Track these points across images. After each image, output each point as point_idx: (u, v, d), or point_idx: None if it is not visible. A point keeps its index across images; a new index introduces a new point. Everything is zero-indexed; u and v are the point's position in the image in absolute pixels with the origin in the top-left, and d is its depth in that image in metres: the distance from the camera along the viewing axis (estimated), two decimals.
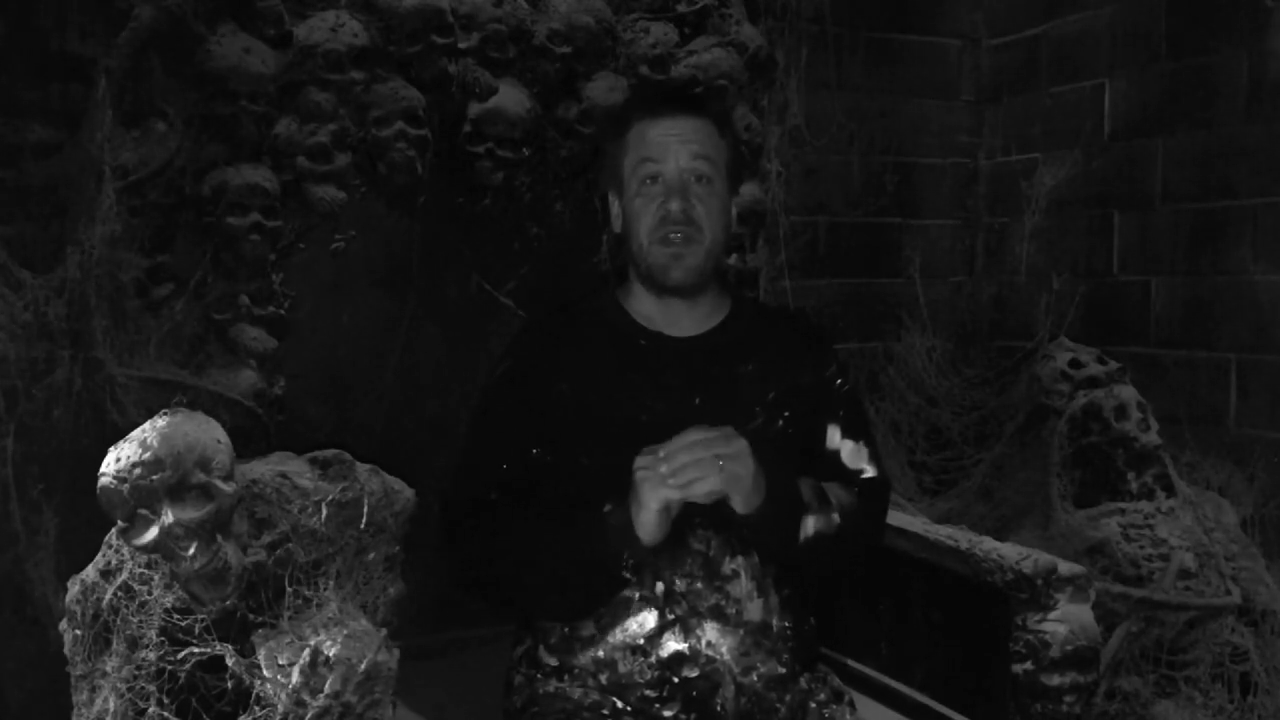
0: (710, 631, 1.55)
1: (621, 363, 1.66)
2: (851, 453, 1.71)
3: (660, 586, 1.56)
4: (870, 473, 1.72)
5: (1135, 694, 2.58)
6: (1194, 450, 3.00)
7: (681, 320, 1.68)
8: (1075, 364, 2.95)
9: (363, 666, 1.77)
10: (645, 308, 1.70)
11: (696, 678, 1.54)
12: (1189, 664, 2.62)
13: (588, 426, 1.62)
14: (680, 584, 1.56)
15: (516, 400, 1.66)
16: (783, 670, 1.59)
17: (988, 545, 2.37)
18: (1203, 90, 3.10)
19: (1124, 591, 2.56)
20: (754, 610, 1.58)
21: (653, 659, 1.55)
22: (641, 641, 1.55)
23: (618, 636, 1.56)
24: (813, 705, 1.62)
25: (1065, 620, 2.24)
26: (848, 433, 1.72)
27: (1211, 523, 2.76)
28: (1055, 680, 2.23)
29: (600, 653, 1.57)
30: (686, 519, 1.56)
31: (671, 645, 1.55)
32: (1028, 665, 2.24)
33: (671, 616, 1.55)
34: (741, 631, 1.56)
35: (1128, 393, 2.86)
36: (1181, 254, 3.17)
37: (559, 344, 1.68)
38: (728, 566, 1.57)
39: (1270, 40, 2.92)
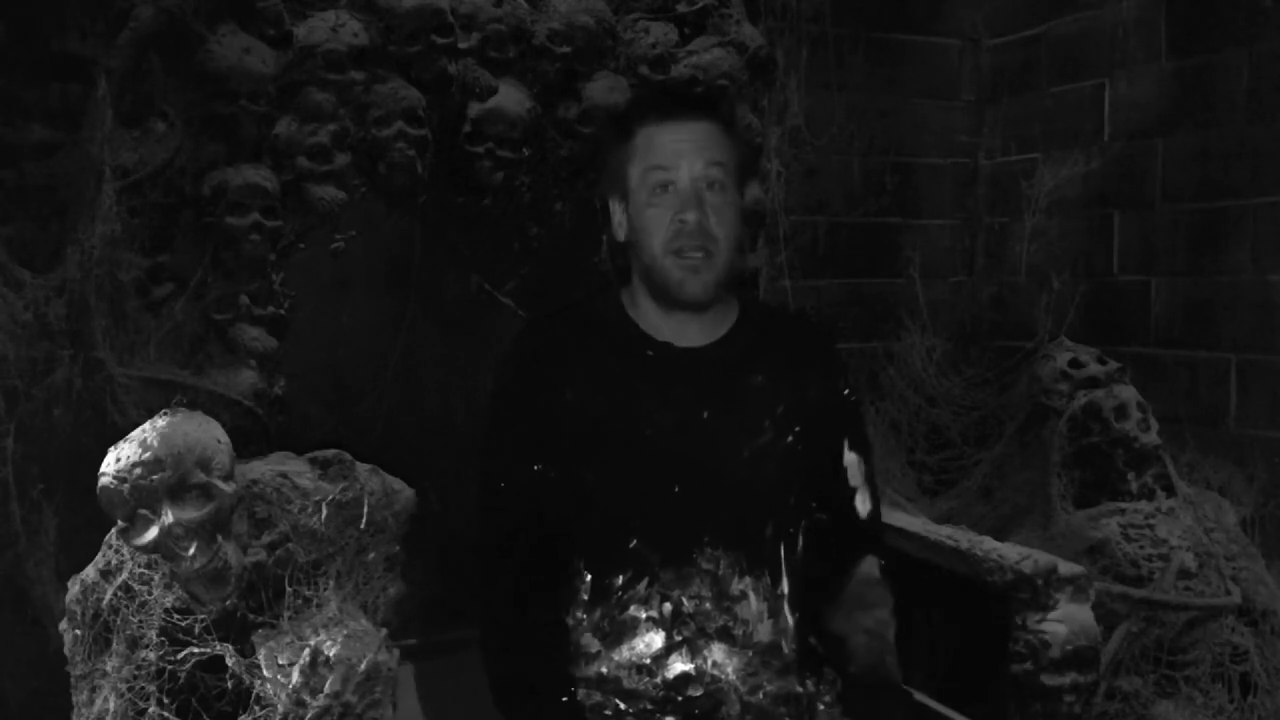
0: (717, 652, 1.53)
1: (627, 373, 1.59)
2: (854, 468, 1.69)
3: (668, 607, 1.54)
4: (864, 505, 1.67)
5: (1135, 694, 2.58)
6: (1194, 450, 3.00)
7: (689, 331, 1.61)
8: (1075, 364, 2.95)
9: (363, 666, 1.77)
10: (651, 318, 1.62)
11: (700, 696, 1.54)
12: (1189, 664, 2.62)
13: (591, 439, 1.57)
14: (688, 605, 1.54)
15: (523, 415, 1.60)
16: (799, 689, 1.58)
17: (988, 545, 2.37)
18: (1203, 90, 3.10)
19: (1124, 591, 2.56)
20: (764, 631, 1.56)
21: (658, 679, 1.53)
22: (648, 661, 1.54)
23: (623, 655, 1.55)
24: (820, 707, 1.62)
25: (1065, 620, 2.24)
26: (854, 446, 1.69)
27: (1211, 523, 2.75)
28: (1055, 680, 2.23)
29: (604, 669, 1.56)
30: (695, 537, 1.54)
31: (678, 666, 1.53)
32: (1028, 665, 2.24)
33: (679, 638, 1.53)
34: (750, 653, 1.55)
35: (1128, 393, 2.86)
36: (1181, 254, 3.17)
37: (564, 350, 1.62)
38: (736, 587, 1.55)
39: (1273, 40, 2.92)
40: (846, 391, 1.71)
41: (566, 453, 1.57)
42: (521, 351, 1.65)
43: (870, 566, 1.65)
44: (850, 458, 1.68)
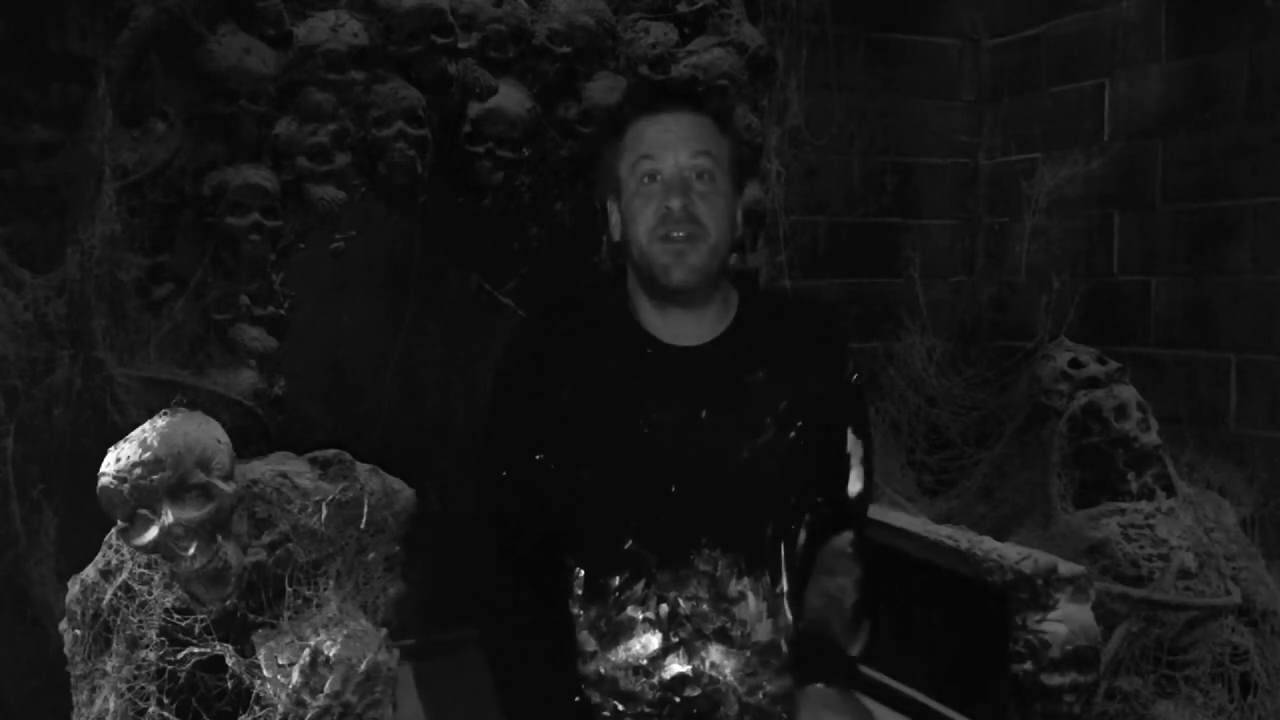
0: (714, 653, 1.53)
1: (626, 371, 1.57)
2: (854, 452, 1.67)
3: (665, 609, 1.53)
4: (854, 485, 1.66)
5: (1135, 694, 2.58)
6: (1194, 450, 3.00)
7: (687, 329, 1.59)
8: (1075, 364, 2.95)
9: (363, 666, 1.77)
10: (650, 318, 1.60)
11: (698, 697, 1.53)
12: (1189, 664, 2.62)
13: (589, 436, 1.55)
14: (685, 606, 1.53)
15: (524, 408, 1.58)
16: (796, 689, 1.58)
17: (988, 545, 2.37)
18: (1203, 90, 3.10)
19: (1124, 591, 2.56)
20: (762, 631, 1.56)
21: (655, 680, 1.53)
22: (644, 662, 1.53)
23: (620, 655, 1.54)
24: None
25: (1065, 620, 2.24)
26: (856, 432, 1.67)
27: (1211, 523, 2.76)
28: (1055, 680, 2.23)
29: (601, 669, 1.55)
30: (692, 538, 1.53)
31: (675, 668, 1.53)
32: (1028, 665, 2.24)
33: (676, 640, 1.53)
34: (748, 653, 1.54)
35: (1128, 393, 2.86)
36: (1181, 254, 3.17)
37: (564, 344, 1.60)
38: (734, 588, 1.54)
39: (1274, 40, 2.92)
40: (855, 377, 1.67)
41: (565, 448, 1.56)
42: (521, 344, 1.64)
43: (847, 544, 1.65)
44: (851, 442, 1.67)
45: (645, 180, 1.54)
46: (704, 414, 1.55)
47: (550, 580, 1.59)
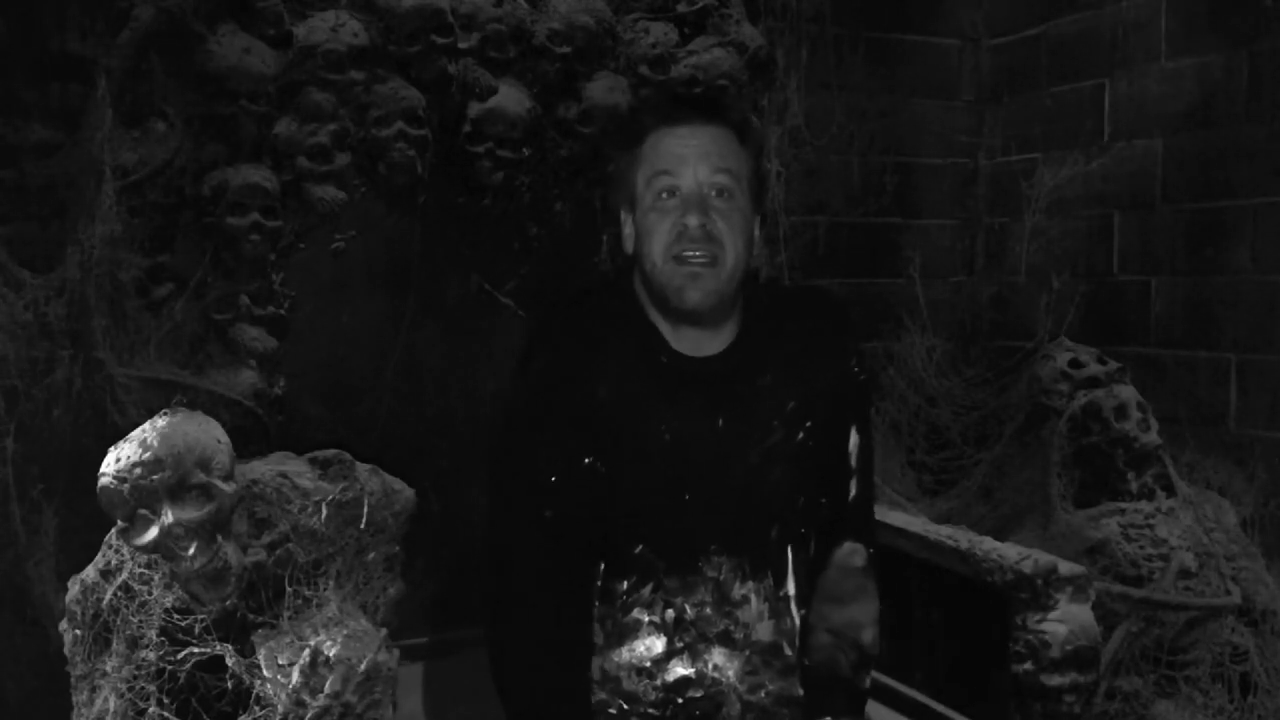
0: (717, 656, 1.53)
1: (644, 375, 1.54)
2: (854, 451, 1.66)
3: (670, 614, 1.53)
4: (853, 487, 1.63)
5: (1135, 694, 2.58)
6: (1194, 450, 3.00)
7: (698, 343, 1.55)
8: (1075, 364, 2.95)
9: (363, 666, 1.77)
10: (660, 326, 1.55)
11: (701, 698, 1.54)
12: (1189, 664, 2.62)
13: (612, 439, 1.51)
14: (690, 611, 1.53)
15: (561, 402, 1.52)
16: (800, 692, 1.58)
17: (988, 545, 2.37)
18: (1203, 90, 3.10)
19: (1124, 591, 2.56)
20: (763, 631, 1.55)
21: (658, 682, 1.53)
22: (648, 664, 1.53)
23: (624, 656, 1.54)
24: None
25: (1065, 620, 2.24)
26: (859, 429, 1.65)
27: (1211, 523, 2.76)
28: (1055, 680, 2.24)
29: (605, 667, 1.56)
30: (702, 545, 1.53)
31: (678, 671, 1.53)
32: (1028, 665, 2.24)
33: (680, 644, 1.53)
34: (748, 652, 1.55)
35: (1128, 393, 2.86)
36: (1181, 254, 3.17)
37: (588, 344, 1.55)
38: (738, 592, 1.54)
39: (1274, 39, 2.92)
40: (859, 371, 1.64)
41: (604, 450, 1.51)
42: (548, 342, 1.57)
43: (850, 555, 1.60)
44: (853, 442, 1.64)
45: (662, 196, 1.49)
46: (721, 422, 1.53)
47: (579, 589, 1.54)
